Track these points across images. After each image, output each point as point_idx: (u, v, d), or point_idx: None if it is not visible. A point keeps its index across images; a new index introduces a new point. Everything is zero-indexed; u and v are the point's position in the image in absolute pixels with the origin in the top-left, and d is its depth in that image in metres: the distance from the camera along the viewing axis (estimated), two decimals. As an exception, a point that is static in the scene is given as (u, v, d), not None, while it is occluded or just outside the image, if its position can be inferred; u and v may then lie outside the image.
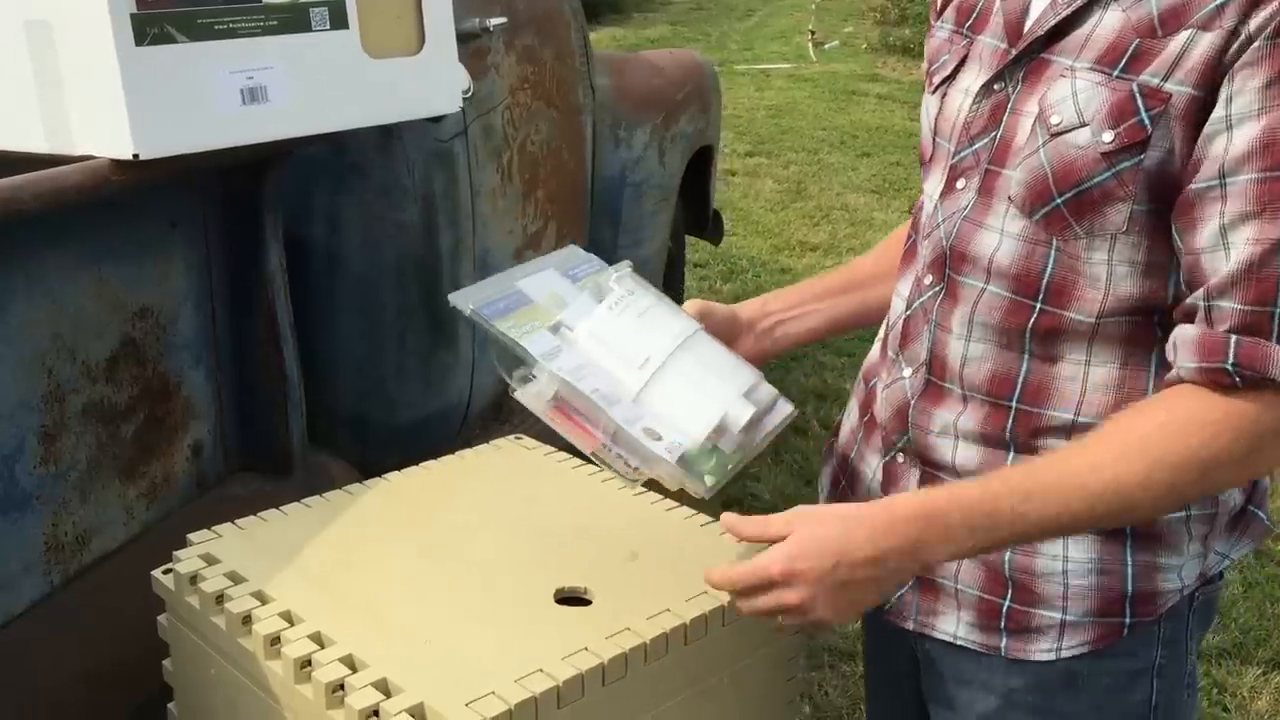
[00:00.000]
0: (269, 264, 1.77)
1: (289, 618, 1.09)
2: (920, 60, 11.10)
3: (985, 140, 1.08)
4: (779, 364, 3.98)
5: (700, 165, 3.54)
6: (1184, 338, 0.98)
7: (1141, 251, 1.01)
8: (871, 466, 1.21)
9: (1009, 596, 1.11)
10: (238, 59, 1.41)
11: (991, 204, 1.07)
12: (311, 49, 1.48)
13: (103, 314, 1.54)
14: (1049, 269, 1.04)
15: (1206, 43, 0.95)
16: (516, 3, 2.34)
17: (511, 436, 1.49)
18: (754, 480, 3.21)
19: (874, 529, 0.99)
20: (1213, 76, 0.95)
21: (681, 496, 1.15)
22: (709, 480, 1.07)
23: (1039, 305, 1.06)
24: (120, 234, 1.55)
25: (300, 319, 1.87)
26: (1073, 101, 1.00)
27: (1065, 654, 1.10)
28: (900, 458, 1.17)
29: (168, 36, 1.35)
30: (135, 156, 1.36)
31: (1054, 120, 1.01)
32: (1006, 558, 1.10)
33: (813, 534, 1.00)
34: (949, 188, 1.12)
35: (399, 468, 1.39)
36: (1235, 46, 0.94)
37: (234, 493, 1.80)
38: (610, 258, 3.04)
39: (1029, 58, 1.05)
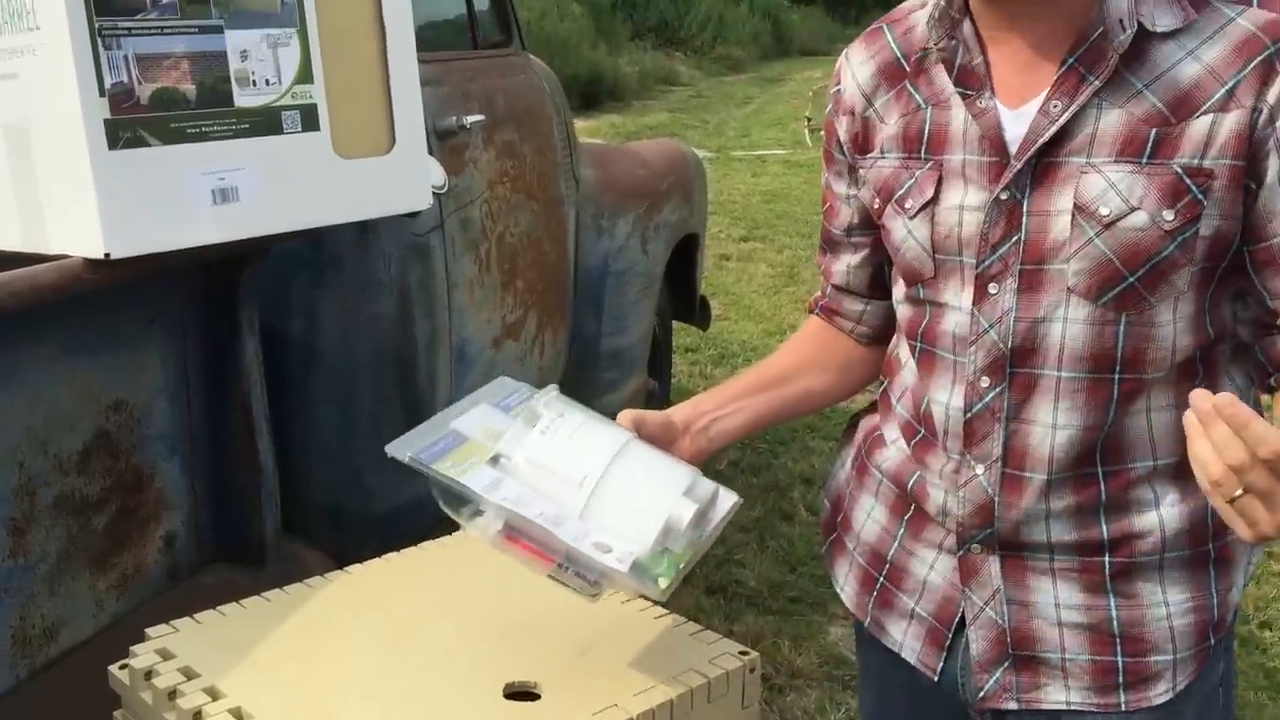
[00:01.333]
0: (245, 357, 1.80)
1: (239, 714, 1.09)
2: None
3: (1008, 245, 1.15)
4: (766, 449, 4.00)
5: (686, 253, 3.59)
6: None
7: (1194, 304, 1.14)
8: (927, 561, 1.28)
9: (1120, 652, 1.20)
10: (209, 161, 1.46)
11: (1041, 299, 1.15)
12: (283, 150, 1.52)
13: (77, 407, 1.57)
14: (1121, 342, 1.14)
15: (1232, 121, 1.07)
16: (496, 99, 2.40)
17: (476, 528, 1.50)
18: (739, 566, 3.20)
19: None
20: (1248, 148, 1.08)
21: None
22: (663, 583, 1.08)
23: (1118, 376, 1.15)
24: (96, 329, 1.58)
25: (276, 410, 1.89)
26: (1114, 192, 1.10)
27: (1179, 686, 1.20)
28: (977, 548, 1.23)
29: (140, 140, 1.39)
30: (107, 256, 1.40)
31: (1103, 212, 1.10)
32: (1114, 616, 1.19)
33: None
34: (981, 295, 1.18)
35: (375, 557, 1.40)
36: (1263, 120, 1.07)
37: (207, 583, 1.81)
38: (595, 346, 3.08)
39: (1032, 164, 1.13)
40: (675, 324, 3.90)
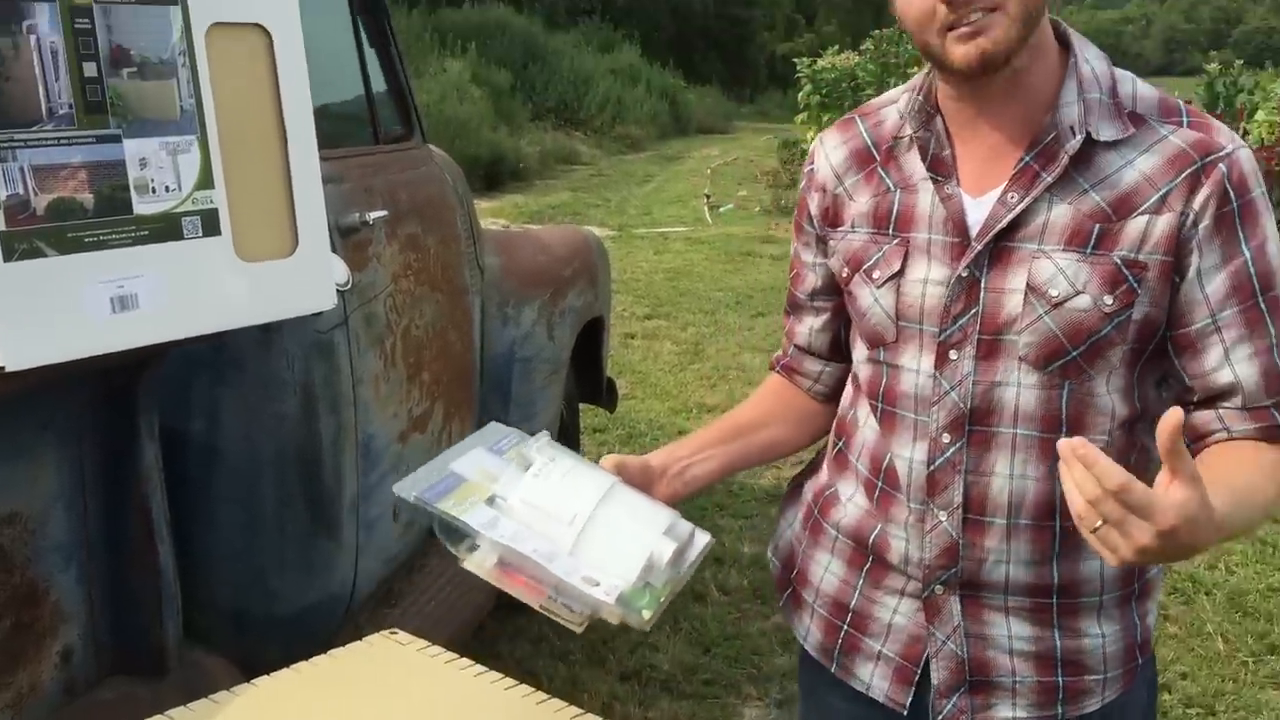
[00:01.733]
0: (144, 461, 1.76)
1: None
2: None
3: (968, 317, 1.32)
4: (677, 528, 4.00)
5: (592, 336, 3.62)
6: (1232, 413, 1.30)
7: (1124, 378, 1.32)
8: (890, 606, 1.43)
9: (1061, 674, 1.39)
10: (108, 269, 1.44)
11: (997, 365, 1.32)
12: (183, 256, 1.51)
13: (-33, 522, 1.52)
14: (1065, 406, 1.31)
15: (1164, 223, 1.26)
16: (399, 194, 2.41)
17: (386, 632, 1.48)
18: (653, 650, 3.19)
19: (1210, 528, 1.11)
20: (1176, 246, 1.27)
21: (624, 628, 1.26)
22: (646, 614, 1.20)
23: (1065, 435, 1.23)
24: (-12, 440, 1.54)
25: (177, 513, 1.86)
26: (1062, 277, 1.27)
27: (1107, 699, 1.41)
28: (940, 589, 1.38)
29: (37, 251, 1.37)
30: (2, 369, 1.37)
31: (1052, 293, 1.28)
32: (1058, 645, 1.38)
33: (1192, 518, 1.07)
34: (942, 360, 1.34)
35: (281, 660, 1.38)
36: (1188, 224, 1.26)
37: (105, 698, 1.75)
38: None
39: (990, 247, 1.30)
40: (582, 405, 3.92)
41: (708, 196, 13.42)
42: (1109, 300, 1.27)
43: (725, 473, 1.48)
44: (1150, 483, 1.11)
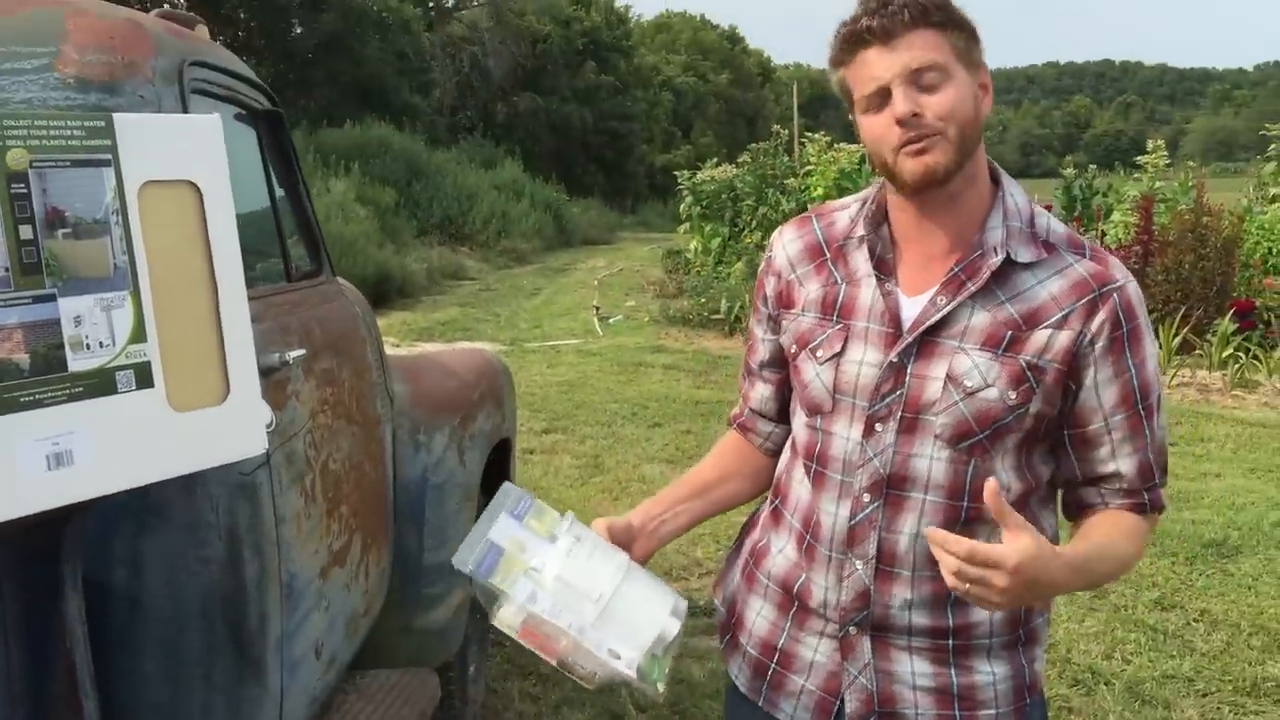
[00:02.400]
0: (68, 616, 1.74)
1: None
2: (700, 330, 11.71)
3: (893, 396, 1.56)
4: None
5: (500, 457, 3.64)
6: (1112, 493, 1.60)
7: (1015, 459, 1.57)
8: (812, 646, 1.66)
9: (958, 709, 1.61)
10: (43, 428, 1.45)
11: (915, 439, 1.55)
12: (117, 410, 1.52)
13: (-111, 690, 1.48)
14: (969, 479, 1.55)
15: (1064, 338, 1.52)
16: (313, 329, 2.44)
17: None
18: None
19: (1059, 564, 1.39)
20: (1072, 359, 1.53)
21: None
22: (660, 686, 1.49)
23: (966, 504, 1.55)
24: (-89, 604, 1.51)
25: (100, 665, 1.82)
26: (977, 372, 1.52)
27: None
28: (854, 630, 1.61)
29: (-28, 413, 1.38)
30: (-65, 533, 1.36)
31: (968, 384, 1.52)
32: (954, 682, 1.60)
33: (1037, 557, 1.35)
34: (869, 431, 1.58)
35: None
36: (1086, 342, 1.52)
37: None
38: (418, 561, 3.07)
39: (918, 339, 1.54)
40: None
41: (596, 308, 13.59)
42: (1013, 395, 1.52)
43: (693, 525, 1.76)
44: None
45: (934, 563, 1.47)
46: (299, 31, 29.67)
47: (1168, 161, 13.36)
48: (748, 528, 1.84)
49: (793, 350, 1.67)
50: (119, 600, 1.89)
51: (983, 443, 1.53)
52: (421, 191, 20.42)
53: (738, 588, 1.79)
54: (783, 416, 1.78)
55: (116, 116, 1.55)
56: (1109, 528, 1.57)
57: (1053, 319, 1.52)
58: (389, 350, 3.17)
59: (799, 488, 1.67)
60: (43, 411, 1.45)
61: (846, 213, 1.67)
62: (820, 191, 15.12)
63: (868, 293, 1.59)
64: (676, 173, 18.07)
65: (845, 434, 1.60)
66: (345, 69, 28.23)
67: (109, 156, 1.52)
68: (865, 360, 1.58)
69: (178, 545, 1.93)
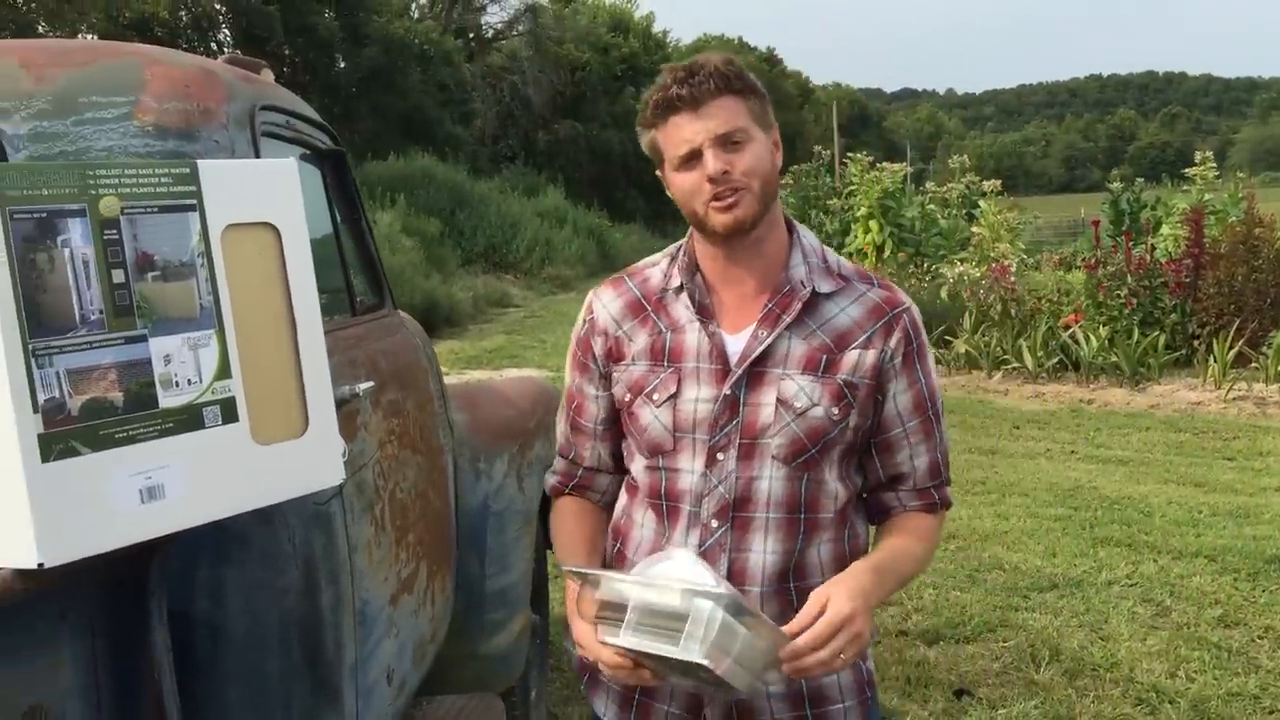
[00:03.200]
0: (155, 648, 1.79)
1: None
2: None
3: (731, 426, 1.71)
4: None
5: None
6: (907, 493, 1.81)
7: (839, 468, 1.75)
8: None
9: (809, 707, 1.76)
10: (137, 462, 1.50)
11: (754, 463, 1.71)
12: (205, 444, 1.58)
13: (-7, 719, 1.54)
14: (804, 492, 1.73)
15: (871, 356, 1.73)
16: (379, 361, 2.50)
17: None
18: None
19: (864, 579, 1.62)
20: (877, 374, 1.74)
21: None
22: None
23: (803, 516, 1.73)
24: (13, 634, 1.57)
25: (186, 693, 1.87)
26: (804, 394, 1.70)
27: None
28: None
29: (72, 450, 1.44)
30: (40, 565, 1.42)
31: (797, 405, 1.70)
32: (803, 685, 1.73)
33: (847, 584, 1.59)
34: (711, 460, 1.72)
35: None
36: (887, 358, 1.74)
37: None
38: (479, 587, 3.12)
39: (747, 371, 1.70)
40: (550, 554, 3.96)
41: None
42: (835, 411, 1.71)
43: None
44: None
45: (780, 576, 1.72)
46: (342, 66, 30.14)
47: (1216, 173, 13.23)
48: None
49: (627, 399, 1.79)
50: (202, 629, 1.95)
51: (814, 457, 1.71)
52: (465, 221, 20.63)
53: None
54: (616, 466, 1.90)
55: (201, 163, 1.62)
56: (901, 532, 1.79)
57: (858, 340, 1.73)
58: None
59: (641, 529, 1.81)
60: (136, 447, 1.51)
61: (657, 269, 1.84)
62: (864, 211, 15.12)
63: (693, 336, 1.75)
64: (718, 196, 18.13)
65: (690, 467, 1.73)
66: (388, 101, 28.63)
67: (194, 202, 1.59)
68: (700, 397, 1.72)
69: (256, 575, 1.99)
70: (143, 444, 1.51)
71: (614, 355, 1.82)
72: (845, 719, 1.79)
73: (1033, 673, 3.99)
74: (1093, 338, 10.12)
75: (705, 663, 1.45)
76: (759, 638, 1.51)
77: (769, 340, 1.71)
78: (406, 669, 2.49)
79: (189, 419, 1.57)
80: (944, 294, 11.95)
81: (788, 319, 1.72)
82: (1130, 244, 11.06)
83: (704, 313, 1.75)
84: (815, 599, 1.57)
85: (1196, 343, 10.10)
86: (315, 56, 29.15)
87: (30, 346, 1.41)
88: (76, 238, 1.46)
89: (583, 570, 1.67)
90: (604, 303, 1.86)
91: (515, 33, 38.14)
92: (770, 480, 1.71)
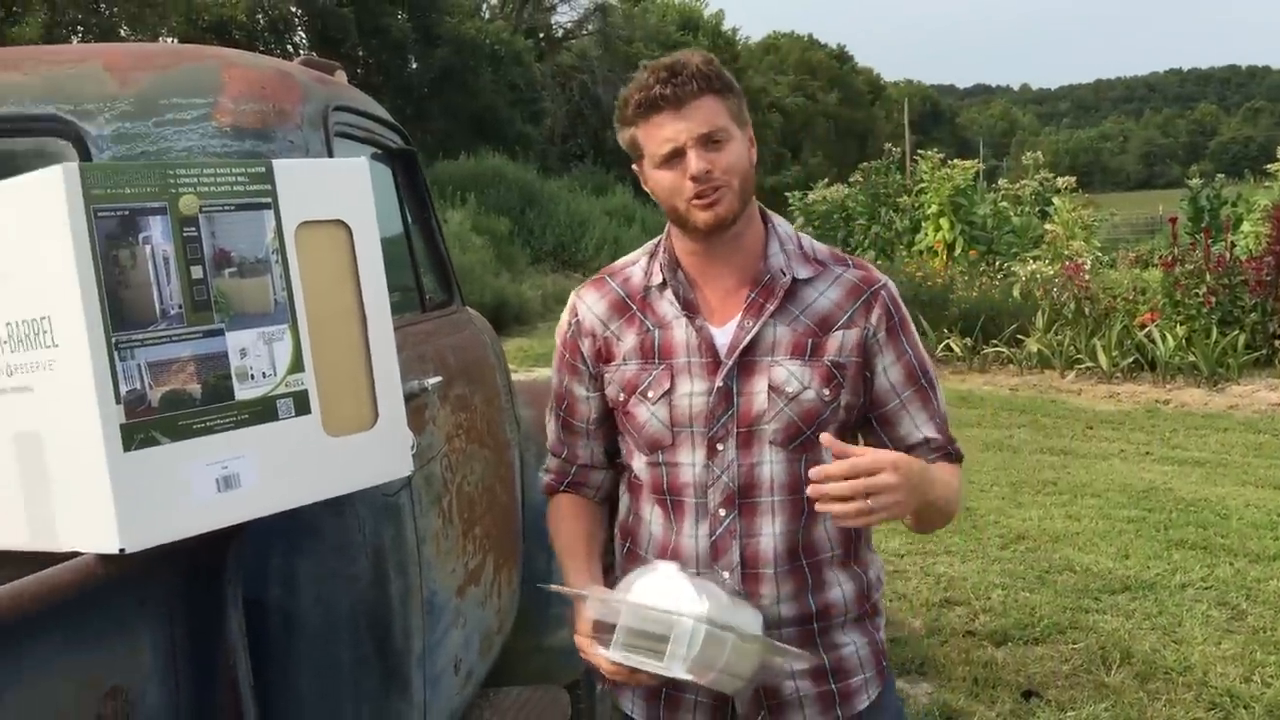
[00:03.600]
0: (230, 634, 1.84)
1: None
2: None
3: (727, 416, 1.76)
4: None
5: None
6: (926, 452, 1.80)
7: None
8: None
9: (833, 683, 1.81)
10: (213, 452, 1.55)
11: (753, 450, 1.75)
12: (278, 436, 1.63)
13: (76, 697, 1.60)
14: (804, 473, 1.70)
15: (853, 335, 1.78)
16: (448, 357, 2.55)
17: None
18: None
19: (915, 464, 1.63)
20: (863, 350, 1.78)
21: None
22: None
23: (806, 495, 1.66)
24: (95, 619, 1.63)
25: (259, 678, 1.93)
26: (794, 378, 1.75)
27: (872, 697, 1.84)
28: None
29: (152, 440, 1.49)
30: (122, 550, 1.47)
31: (789, 390, 1.75)
32: (825, 660, 1.79)
33: (896, 453, 1.62)
34: (712, 451, 1.76)
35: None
36: (870, 335, 1.78)
37: None
38: (545, 579, 3.16)
39: (737, 362, 1.75)
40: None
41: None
42: (826, 392, 1.75)
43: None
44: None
45: (790, 554, 1.76)
46: (415, 67, 30.49)
47: (1300, 168, 12.90)
48: (607, 573, 1.93)
49: (621, 398, 1.83)
50: (275, 616, 2.00)
51: (810, 439, 1.75)
52: (535, 219, 20.77)
53: None
54: (609, 462, 1.95)
55: (275, 163, 1.66)
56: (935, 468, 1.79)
57: (840, 321, 1.78)
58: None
59: (648, 525, 1.84)
60: (213, 438, 1.56)
61: (637, 267, 1.88)
62: (934, 208, 14.96)
63: (681, 332, 1.78)
64: (787, 193, 18.05)
65: (690, 460, 1.77)
66: (460, 101, 28.92)
67: (269, 200, 1.64)
68: (694, 391, 1.76)
69: (328, 564, 2.03)
70: (219, 434, 1.56)
71: (604, 356, 1.86)
72: (866, 689, 1.84)
73: (1103, 675, 3.94)
74: (1169, 337, 9.93)
75: (689, 678, 1.56)
76: (745, 643, 1.59)
77: (755, 330, 1.75)
78: (473, 659, 2.53)
79: (263, 411, 1.62)
80: (1016, 292, 11.79)
81: (771, 307, 1.76)
82: (1209, 241, 10.82)
83: (689, 308, 1.79)
84: (862, 448, 1.60)
85: (1278, 342, 9.86)
86: (388, 57, 29.53)
87: (113, 340, 1.46)
88: (157, 235, 1.52)
89: (569, 591, 1.76)
90: (588, 304, 1.89)
91: (585, 32, 38.30)
92: (771, 465, 1.75)
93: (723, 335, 1.78)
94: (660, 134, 1.72)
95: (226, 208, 1.59)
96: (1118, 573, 5.00)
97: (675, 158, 1.72)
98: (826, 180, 18.18)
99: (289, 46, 30.37)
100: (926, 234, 15.20)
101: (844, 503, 1.53)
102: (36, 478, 1.55)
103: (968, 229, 14.86)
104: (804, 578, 1.78)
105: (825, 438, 1.62)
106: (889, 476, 1.54)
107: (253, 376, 1.60)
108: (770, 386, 1.74)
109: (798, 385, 1.74)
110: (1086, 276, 11.15)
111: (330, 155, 2.15)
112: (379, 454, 1.78)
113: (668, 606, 1.59)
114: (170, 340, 1.52)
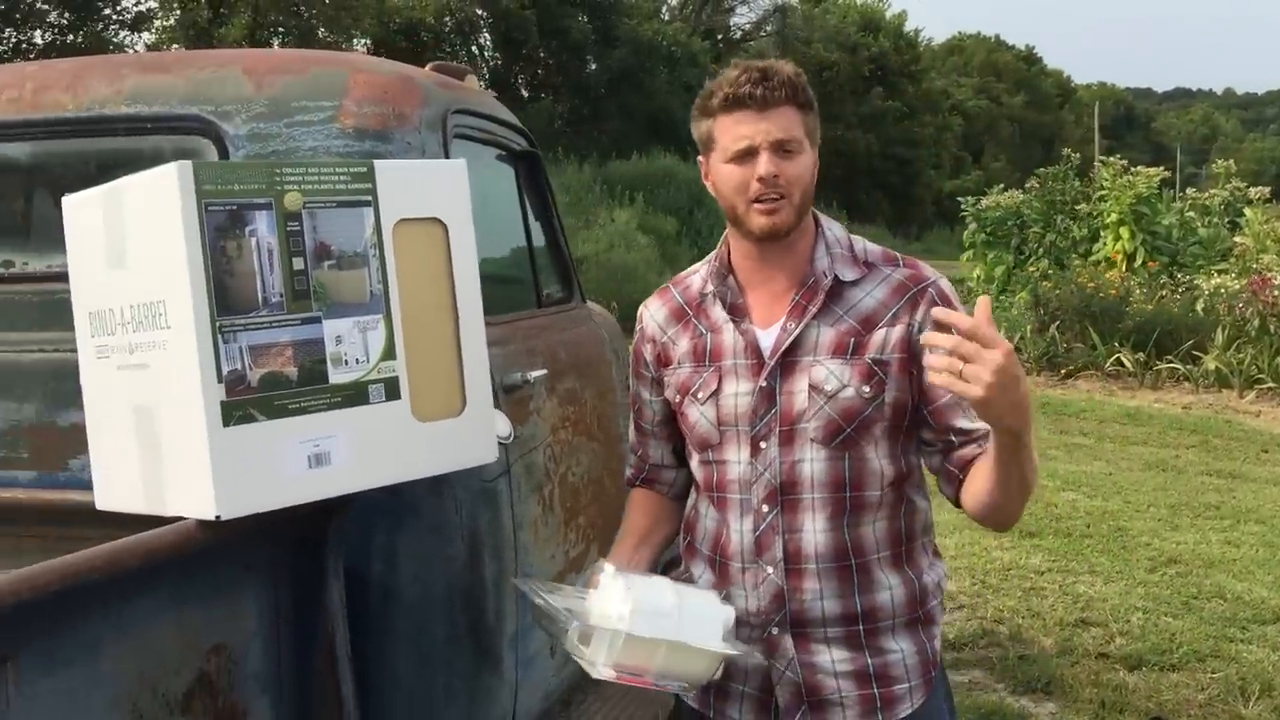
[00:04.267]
0: (331, 601, 1.97)
1: None
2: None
3: (769, 415, 1.80)
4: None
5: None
6: (987, 438, 1.69)
7: (888, 446, 1.80)
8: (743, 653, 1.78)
9: (876, 687, 1.81)
10: (306, 431, 1.68)
11: (794, 448, 1.78)
12: (369, 419, 1.74)
13: (182, 653, 1.74)
14: (847, 471, 1.79)
15: (898, 331, 1.79)
16: (559, 353, 2.64)
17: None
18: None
19: (1025, 385, 1.56)
20: (907, 346, 1.78)
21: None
22: (755, 652, 1.79)
23: (849, 494, 1.79)
24: (201, 580, 1.77)
25: (357, 646, 2.05)
26: (833, 377, 1.78)
27: (915, 705, 1.84)
28: (775, 630, 1.81)
29: (250, 417, 1.62)
30: (217, 518, 1.61)
31: (828, 388, 1.78)
32: (869, 664, 1.80)
33: (1014, 353, 1.53)
34: (755, 450, 1.80)
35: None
36: (915, 330, 1.78)
37: (290, 815, 1.93)
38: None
39: (780, 362, 1.79)
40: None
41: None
42: (866, 389, 1.77)
43: (652, 570, 1.93)
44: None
45: (836, 551, 1.78)
46: (593, 68, 31.02)
47: None
48: (669, 566, 2.01)
49: (677, 400, 1.89)
50: (374, 589, 2.13)
51: (851, 436, 1.77)
52: (703, 220, 20.84)
53: None
54: (679, 461, 2.00)
55: (377, 163, 1.78)
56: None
57: (884, 319, 1.79)
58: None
59: (704, 520, 1.89)
60: (307, 417, 1.68)
61: (698, 276, 1.94)
62: (1114, 217, 14.40)
63: (729, 335, 1.85)
64: (960, 199, 17.65)
65: (736, 458, 1.82)
66: (635, 102, 29.28)
67: (369, 198, 1.75)
68: (739, 391, 1.82)
69: (426, 543, 2.15)
70: (313, 415, 1.69)
71: (663, 360, 1.93)
72: (910, 697, 1.83)
73: (1240, 707, 3.77)
74: (1362, 359, 9.34)
75: (614, 679, 1.66)
76: (683, 650, 1.65)
77: (797, 331, 1.80)
78: (573, 645, 2.62)
79: (355, 394, 1.73)
80: (1199, 307, 11.27)
81: (813, 309, 1.80)
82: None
83: (736, 312, 1.85)
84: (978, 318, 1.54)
85: None
86: (567, 59, 30.14)
87: (217, 324, 1.60)
88: (262, 228, 1.65)
89: (525, 588, 1.87)
90: (651, 312, 1.98)
91: (763, 33, 38.22)
92: (812, 462, 1.78)
93: (767, 337, 1.83)
94: (738, 130, 1.77)
95: (328, 204, 1.71)
96: (1271, 602, 4.76)
97: (747, 156, 1.77)
98: (1002, 185, 17.67)
99: (473, 48, 31.33)
100: (1105, 243, 14.64)
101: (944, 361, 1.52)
102: (151, 448, 1.70)
103: (1150, 239, 14.24)
104: (850, 576, 1.79)
105: (938, 311, 1.61)
106: (996, 356, 1.48)
107: (347, 362, 1.72)
108: (810, 385, 1.78)
109: (837, 383, 1.77)
110: (1276, 292, 10.57)
111: (447, 156, 2.27)
112: (466, 440, 1.88)
113: (595, 610, 1.68)
114: (270, 326, 1.65)
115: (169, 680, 1.71)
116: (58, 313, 2.04)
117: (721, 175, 1.81)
